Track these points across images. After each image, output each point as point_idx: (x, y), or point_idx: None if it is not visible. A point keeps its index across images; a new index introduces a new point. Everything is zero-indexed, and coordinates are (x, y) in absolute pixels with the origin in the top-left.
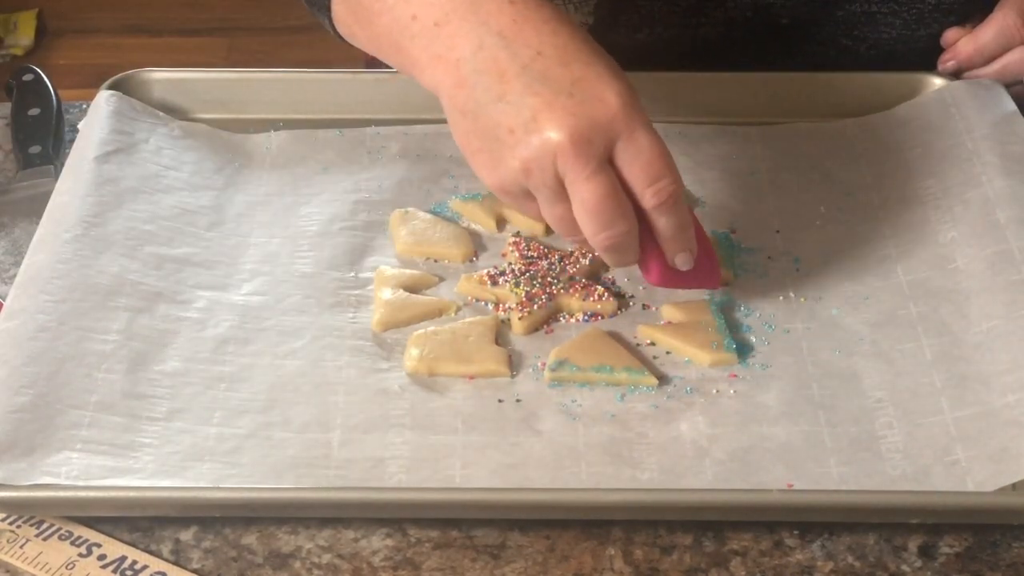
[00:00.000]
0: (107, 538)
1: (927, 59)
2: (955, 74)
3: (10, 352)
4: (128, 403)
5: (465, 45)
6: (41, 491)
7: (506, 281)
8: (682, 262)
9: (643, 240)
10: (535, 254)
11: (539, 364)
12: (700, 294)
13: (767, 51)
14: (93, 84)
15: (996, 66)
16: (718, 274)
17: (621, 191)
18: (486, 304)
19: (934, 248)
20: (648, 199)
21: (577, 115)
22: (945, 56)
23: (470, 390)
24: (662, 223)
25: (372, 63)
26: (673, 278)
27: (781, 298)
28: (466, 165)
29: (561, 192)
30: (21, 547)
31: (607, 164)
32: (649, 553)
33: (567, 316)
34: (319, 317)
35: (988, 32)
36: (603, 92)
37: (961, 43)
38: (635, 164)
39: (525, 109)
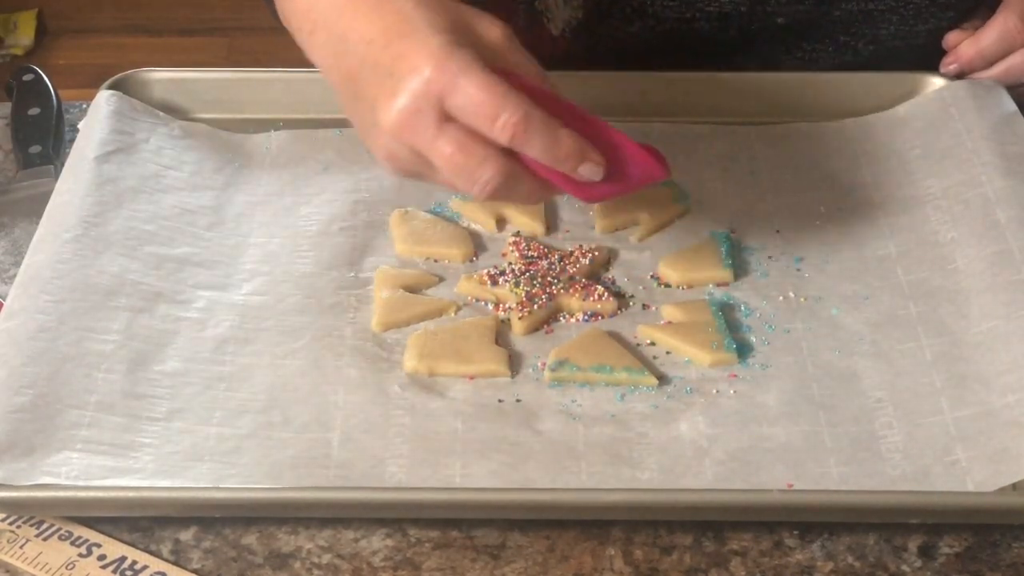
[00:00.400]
0: (107, 538)
1: (926, 55)
2: (957, 77)
3: (10, 352)
4: (128, 403)
5: (328, 55)
6: (41, 491)
7: (506, 281)
8: (588, 173)
9: (543, 170)
10: (535, 254)
11: (539, 364)
12: (700, 294)
13: (764, 48)
14: (93, 84)
15: (998, 69)
16: (658, 165)
17: (470, 141)
18: (486, 304)
19: (934, 248)
20: (500, 139)
21: (398, 93)
22: (947, 59)
23: (470, 390)
24: (531, 153)
25: None
26: (599, 190)
27: (781, 298)
28: None
29: (430, 163)
30: (21, 547)
31: (446, 123)
32: (649, 553)
33: (567, 316)
34: (319, 317)
35: (990, 35)
36: (416, 60)
37: (963, 46)
38: (468, 112)
39: (368, 101)
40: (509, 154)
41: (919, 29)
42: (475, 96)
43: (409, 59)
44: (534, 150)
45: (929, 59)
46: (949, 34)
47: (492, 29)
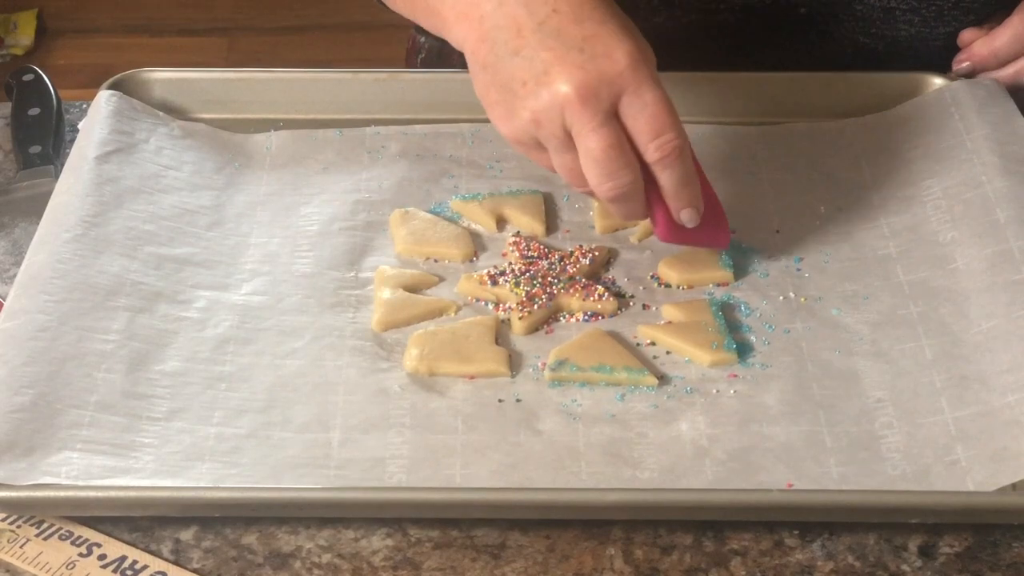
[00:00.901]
0: (107, 538)
1: (943, 58)
2: (969, 75)
3: (10, 352)
4: (128, 403)
5: (487, 3)
6: (41, 491)
7: (506, 281)
8: (687, 218)
9: (651, 196)
10: (535, 254)
11: (539, 364)
12: (700, 294)
13: (785, 45)
14: (93, 84)
15: (1010, 70)
16: (726, 234)
17: (626, 143)
18: (486, 304)
19: (934, 248)
20: (651, 153)
21: (586, 69)
22: (960, 56)
23: (470, 390)
24: (665, 177)
25: (421, 30)
26: (680, 235)
27: (781, 298)
28: (466, 165)
29: (569, 143)
30: (21, 547)
31: (613, 117)
32: (649, 553)
33: (567, 316)
34: (319, 317)
35: (1004, 35)
36: (612, 49)
37: (976, 45)
38: (640, 118)
39: (538, 63)
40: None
41: (939, 32)
42: (652, 107)
43: (605, 44)
44: (672, 176)
45: (946, 62)
46: (964, 32)
47: (649, 49)
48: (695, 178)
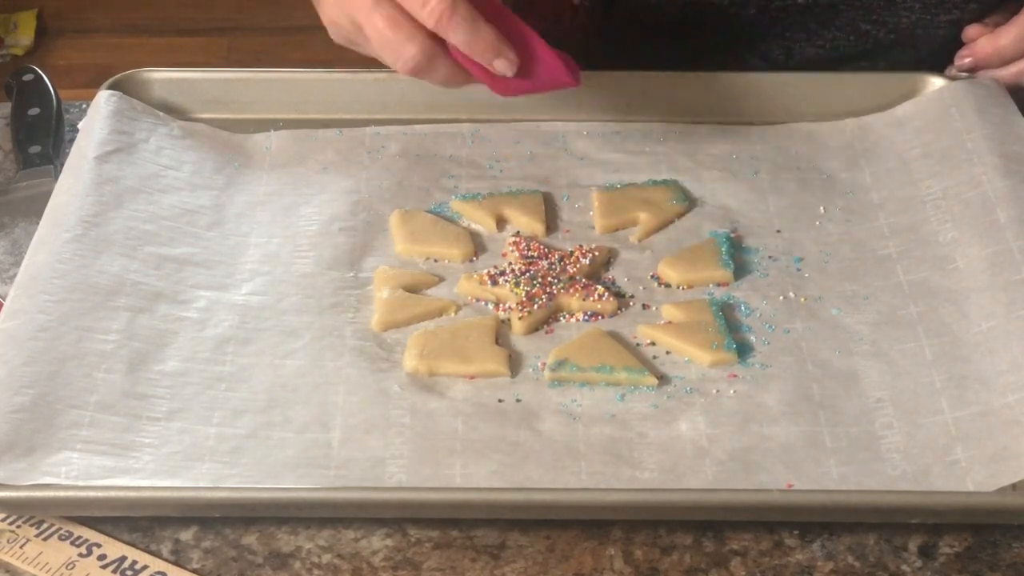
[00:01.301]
0: (107, 538)
1: (945, 46)
2: (970, 71)
3: (10, 352)
4: (128, 403)
5: None
6: (41, 491)
7: (506, 281)
8: (501, 68)
9: (467, 60)
10: (535, 254)
11: (539, 364)
12: (700, 294)
13: (786, 33)
14: (93, 84)
15: (1013, 69)
16: (568, 71)
17: (403, 19)
18: (486, 304)
19: (934, 248)
20: (427, 22)
21: None
22: (963, 52)
23: (470, 390)
24: (452, 40)
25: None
26: (516, 86)
27: (781, 298)
28: (466, 165)
29: (364, 35)
30: (21, 547)
31: (383, 1)
32: (649, 553)
33: (567, 316)
34: (319, 317)
35: (1009, 34)
36: None
37: (980, 42)
38: None
39: None
40: (434, 38)
41: (941, 19)
42: None
43: None
44: (456, 37)
45: (947, 50)
46: (969, 27)
47: None
48: (485, 30)
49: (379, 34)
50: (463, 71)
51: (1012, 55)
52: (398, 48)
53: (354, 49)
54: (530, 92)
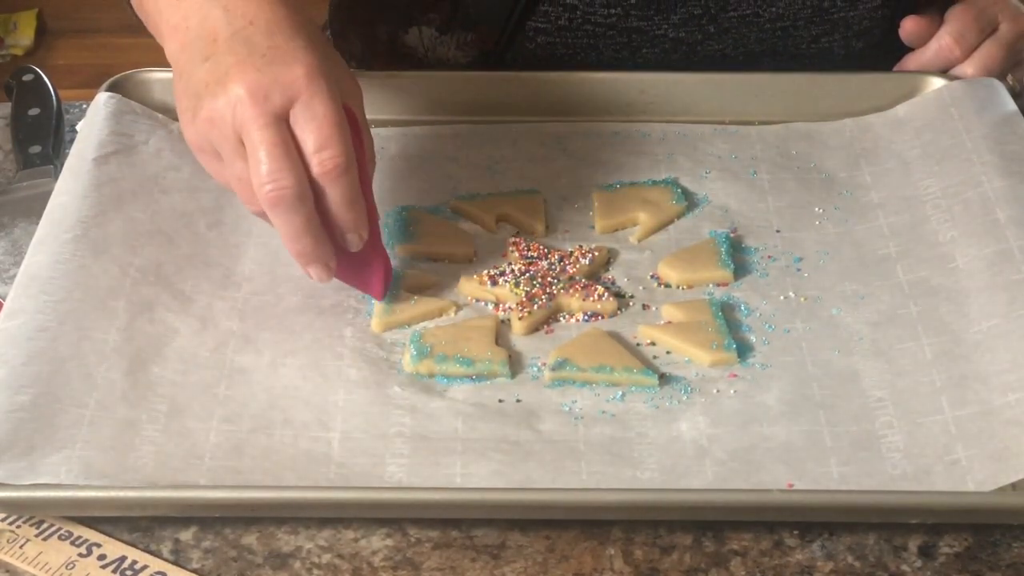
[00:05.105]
0: (107, 538)
1: (855, 61)
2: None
3: (10, 352)
4: (128, 403)
5: (194, 16)
6: (41, 491)
7: (506, 281)
8: (351, 242)
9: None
10: (535, 254)
11: (539, 364)
12: (700, 294)
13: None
14: (93, 84)
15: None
16: (379, 285)
17: (292, 148)
18: (486, 304)
19: (934, 247)
20: (315, 165)
21: (262, 72)
22: (894, 69)
23: (470, 390)
24: (328, 194)
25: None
26: (342, 270)
27: (781, 298)
28: (466, 165)
29: (240, 149)
30: (21, 547)
31: (282, 122)
32: (649, 553)
33: (567, 316)
34: (319, 317)
35: (927, 53)
36: (294, 60)
37: (907, 60)
38: (307, 128)
39: (222, 67)
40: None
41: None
42: (321, 119)
43: (288, 54)
44: (334, 194)
45: (871, 61)
46: (906, 21)
47: (352, 83)
48: (361, 204)
49: (260, 148)
50: (320, 233)
51: (936, 70)
52: (275, 171)
53: (204, 155)
54: (345, 281)
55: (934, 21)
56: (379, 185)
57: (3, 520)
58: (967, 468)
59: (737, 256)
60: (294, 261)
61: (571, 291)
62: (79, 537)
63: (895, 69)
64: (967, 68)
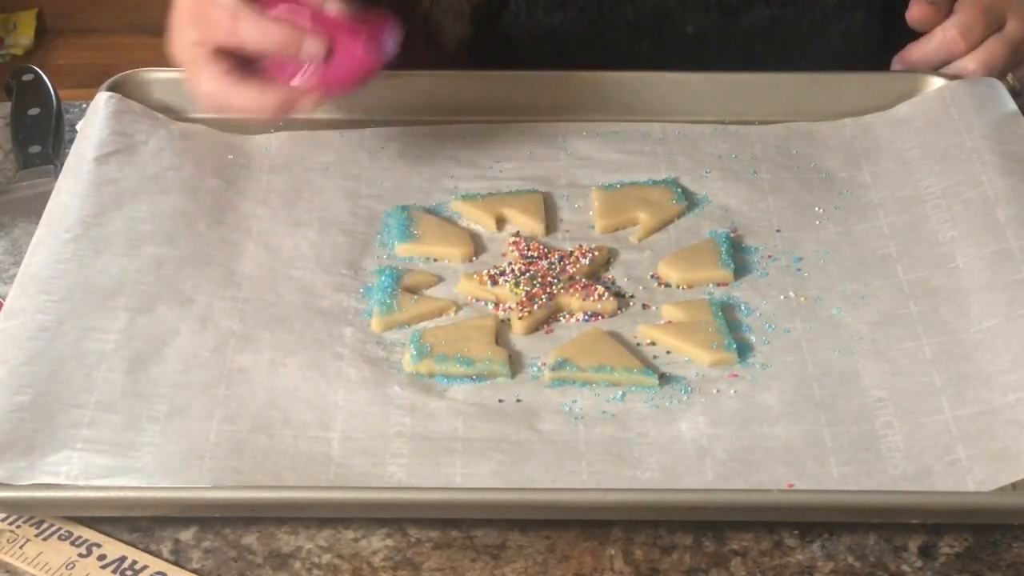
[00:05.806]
0: (107, 538)
1: (843, 54)
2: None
3: (10, 352)
4: (128, 403)
5: None
6: (41, 491)
7: (506, 281)
8: (310, 49)
9: (275, 67)
10: (535, 254)
11: (539, 364)
12: (700, 294)
13: (678, 61)
14: (93, 84)
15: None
16: (364, 50)
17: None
18: (486, 304)
19: (934, 247)
20: (214, 36)
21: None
22: (896, 58)
23: (470, 390)
24: (242, 41)
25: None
26: (334, 75)
27: (781, 298)
28: (466, 165)
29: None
30: (21, 547)
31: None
32: (649, 553)
33: (567, 316)
34: (319, 317)
35: (932, 43)
36: None
37: (910, 49)
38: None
39: None
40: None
41: (830, 31)
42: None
43: None
44: (246, 36)
45: (846, 57)
46: (914, 4)
47: None
48: (274, 26)
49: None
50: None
51: (938, 63)
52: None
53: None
54: (352, 81)
55: (942, 9)
56: (379, 185)
57: (3, 520)
58: (967, 468)
59: (737, 256)
60: (294, 261)
61: (571, 291)
62: (79, 537)
63: (896, 58)
64: (969, 63)
